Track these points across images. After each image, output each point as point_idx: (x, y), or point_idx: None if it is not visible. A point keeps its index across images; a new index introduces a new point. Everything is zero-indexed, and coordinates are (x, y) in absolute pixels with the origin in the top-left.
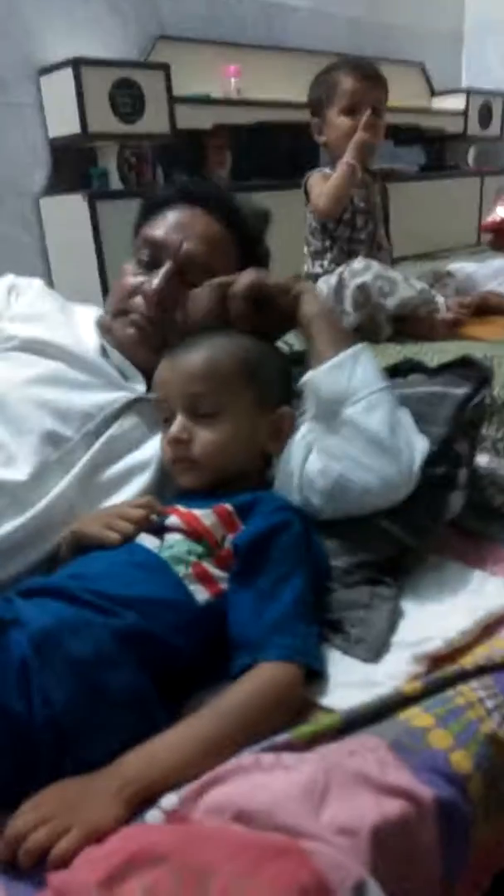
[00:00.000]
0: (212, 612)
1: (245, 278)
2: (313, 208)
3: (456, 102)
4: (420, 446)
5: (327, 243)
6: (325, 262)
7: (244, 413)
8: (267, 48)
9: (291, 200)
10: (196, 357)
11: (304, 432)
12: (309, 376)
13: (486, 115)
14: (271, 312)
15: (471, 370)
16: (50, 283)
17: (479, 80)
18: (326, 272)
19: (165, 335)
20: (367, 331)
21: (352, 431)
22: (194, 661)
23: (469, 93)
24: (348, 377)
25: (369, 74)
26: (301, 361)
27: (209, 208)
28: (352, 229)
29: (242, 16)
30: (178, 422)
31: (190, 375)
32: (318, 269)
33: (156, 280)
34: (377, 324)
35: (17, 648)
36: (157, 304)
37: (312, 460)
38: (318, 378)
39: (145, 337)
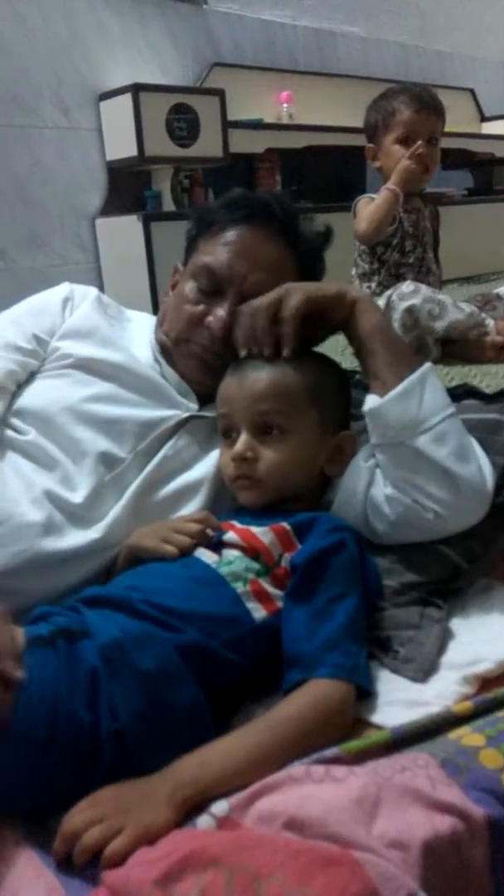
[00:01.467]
0: (268, 629)
1: (294, 300)
2: (354, 231)
3: None
4: (489, 470)
5: (375, 266)
6: (373, 285)
7: (308, 434)
8: (318, 74)
9: (340, 222)
10: (264, 376)
11: (367, 456)
12: (375, 405)
13: None
14: (322, 324)
15: None
16: None
17: None
18: (374, 295)
19: (227, 362)
20: (418, 352)
21: (423, 463)
22: (248, 677)
23: None
24: (418, 405)
25: (427, 105)
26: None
27: (271, 229)
28: (400, 253)
29: (295, 43)
30: (244, 440)
31: (258, 394)
32: (365, 291)
33: (221, 313)
34: (426, 346)
35: (87, 658)
36: (222, 339)
37: (379, 488)
38: (386, 408)
39: (208, 368)
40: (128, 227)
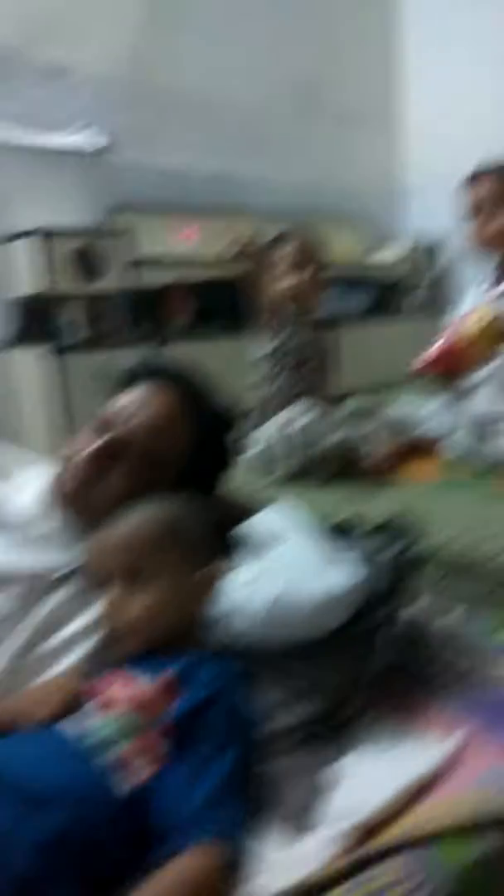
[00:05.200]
0: (137, 801)
1: None
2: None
3: (399, 251)
4: (357, 572)
5: (276, 370)
6: (273, 388)
7: (174, 575)
8: (220, 213)
9: (238, 346)
10: (123, 527)
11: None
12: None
13: (429, 261)
14: None
15: (400, 530)
16: (18, 435)
17: (423, 228)
18: (272, 407)
19: (90, 504)
20: (311, 470)
21: (290, 553)
22: (124, 858)
23: (412, 240)
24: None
25: (306, 243)
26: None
27: (168, 386)
28: (297, 365)
29: (196, 184)
30: (112, 591)
31: (117, 545)
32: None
33: (84, 452)
34: (320, 463)
35: None
36: (81, 473)
37: (247, 589)
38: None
39: (69, 500)
40: (38, 358)
